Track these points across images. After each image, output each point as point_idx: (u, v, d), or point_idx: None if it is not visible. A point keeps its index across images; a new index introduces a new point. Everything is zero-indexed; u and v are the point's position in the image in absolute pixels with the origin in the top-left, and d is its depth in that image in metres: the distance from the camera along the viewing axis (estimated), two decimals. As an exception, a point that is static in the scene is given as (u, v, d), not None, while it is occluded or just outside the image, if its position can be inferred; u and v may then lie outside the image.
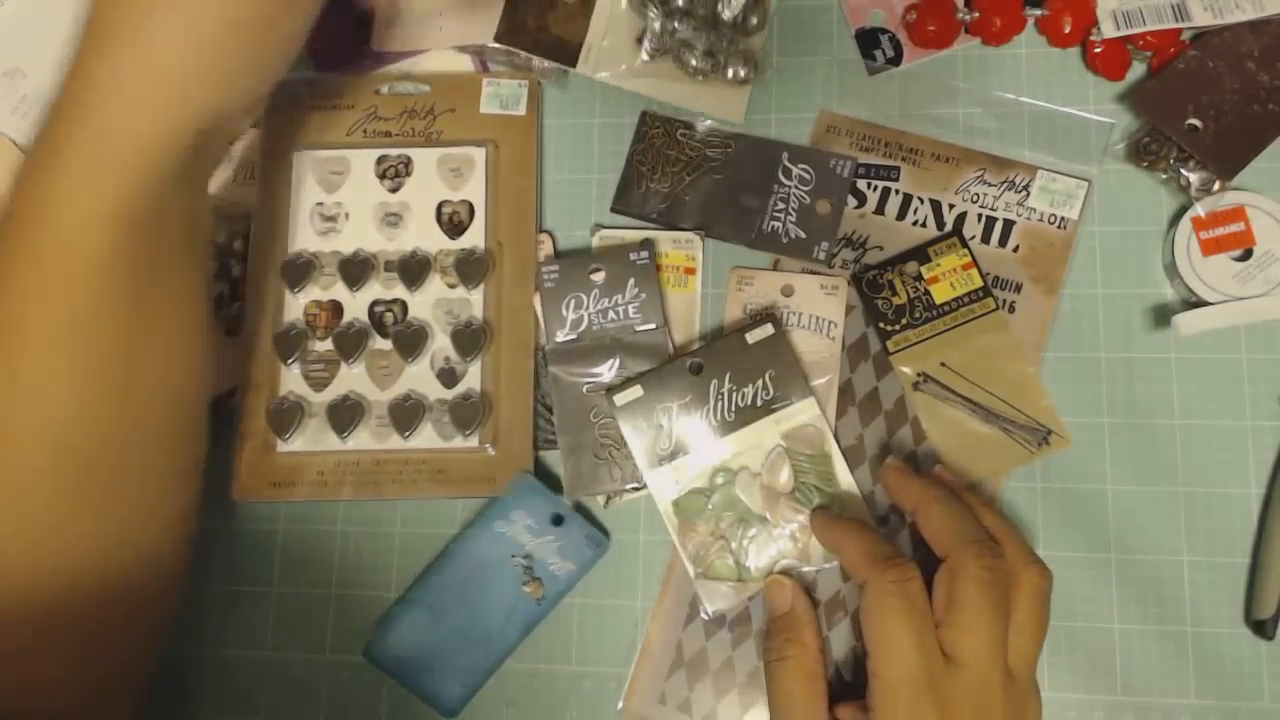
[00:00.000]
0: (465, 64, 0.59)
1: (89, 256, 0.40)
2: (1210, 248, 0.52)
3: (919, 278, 0.53)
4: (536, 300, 0.55)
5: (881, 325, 0.53)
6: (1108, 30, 0.54)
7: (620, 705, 0.51)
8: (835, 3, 0.57)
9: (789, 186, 0.55)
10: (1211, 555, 0.51)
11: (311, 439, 0.54)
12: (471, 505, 0.54)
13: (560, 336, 0.54)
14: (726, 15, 0.55)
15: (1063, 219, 0.54)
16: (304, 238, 0.56)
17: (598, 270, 0.54)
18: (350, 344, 0.55)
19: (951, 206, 0.55)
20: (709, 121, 0.56)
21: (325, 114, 0.58)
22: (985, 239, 0.54)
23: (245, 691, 0.54)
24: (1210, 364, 0.52)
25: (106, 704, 0.47)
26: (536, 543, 0.52)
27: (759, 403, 0.51)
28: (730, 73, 0.55)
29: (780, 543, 0.50)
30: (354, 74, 0.59)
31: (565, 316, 0.54)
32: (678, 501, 0.50)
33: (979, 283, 0.53)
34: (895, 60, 0.57)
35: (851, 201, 0.55)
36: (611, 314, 0.54)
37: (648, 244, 0.54)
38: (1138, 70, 0.55)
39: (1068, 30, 0.54)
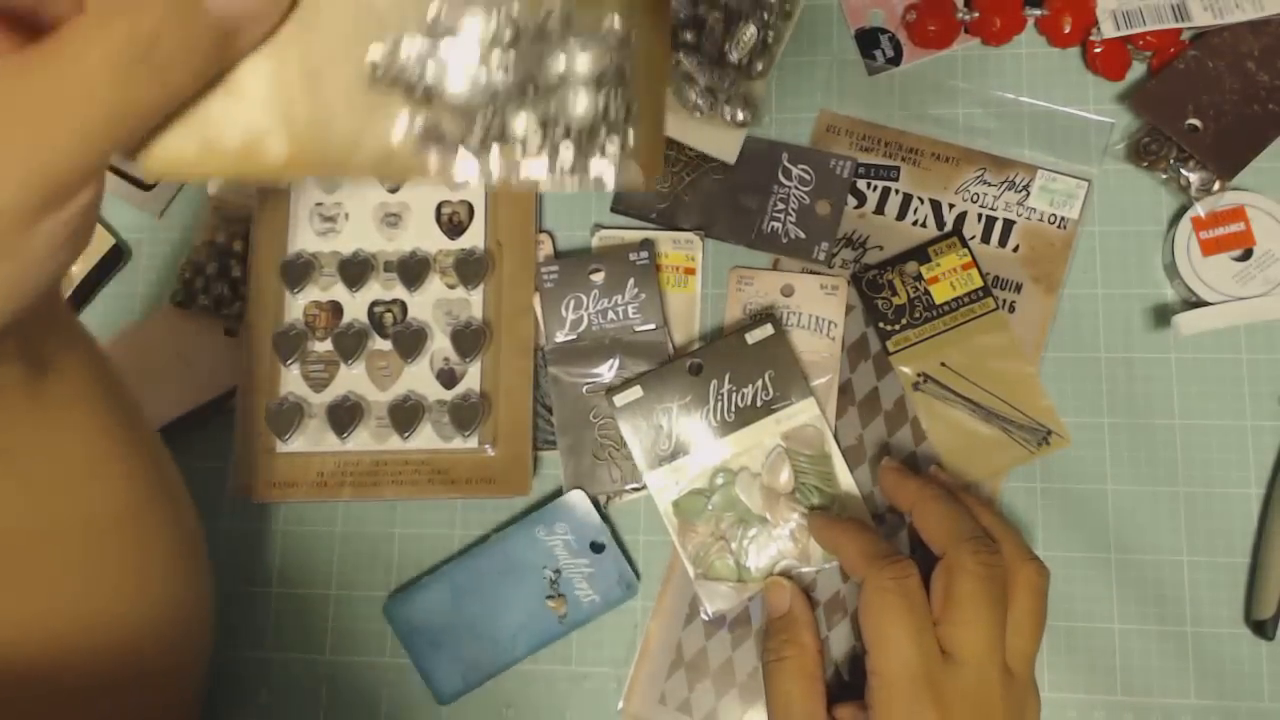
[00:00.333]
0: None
1: None
2: (1210, 248, 0.53)
3: (919, 277, 0.54)
4: (536, 301, 0.55)
5: (881, 325, 0.54)
6: (1108, 30, 0.55)
7: (620, 705, 0.52)
8: (835, 3, 0.58)
9: (789, 187, 0.56)
10: (1211, 555, 0.51)
11: (311, 439, 0.55)
12: (472, 506, 0.55)
13: (560, 337, 0.55)
14: (733, 57, 0.55)
15: (1063, 219, 0.55)
16: (303, 238, 0.57)
17: (597, 270, 0.55)
18: (350, 344, 0.56)
19: (951, 206, 0.55)
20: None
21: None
22: (985, 239, 0.55)
23: (245, 691, 0.55)
24: (1210, 364, 0.53)
25: None
26: (570, 562, 0.53)
27: (759, 403, 0.52)
28: (729, 114, 0.55)
29: (780, 543, 0.51)
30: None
31: (565, 317, 0.55)
32: (678, 502, 0.51)
33: (979, 283, 0.54)
34: (895, 60, 0.57)
35: (851, 201, 0.56)
36: (611, 314, 0.55)
37: (647, 244, 0.55)
38: (1138, 70, 0.56)
39: (1068, 30, 0.55)
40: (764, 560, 0.51)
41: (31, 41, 0.26)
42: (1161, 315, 0.54)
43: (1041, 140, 0.56)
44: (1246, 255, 0.53)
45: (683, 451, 0.52)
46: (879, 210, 0.56)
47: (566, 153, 0.29)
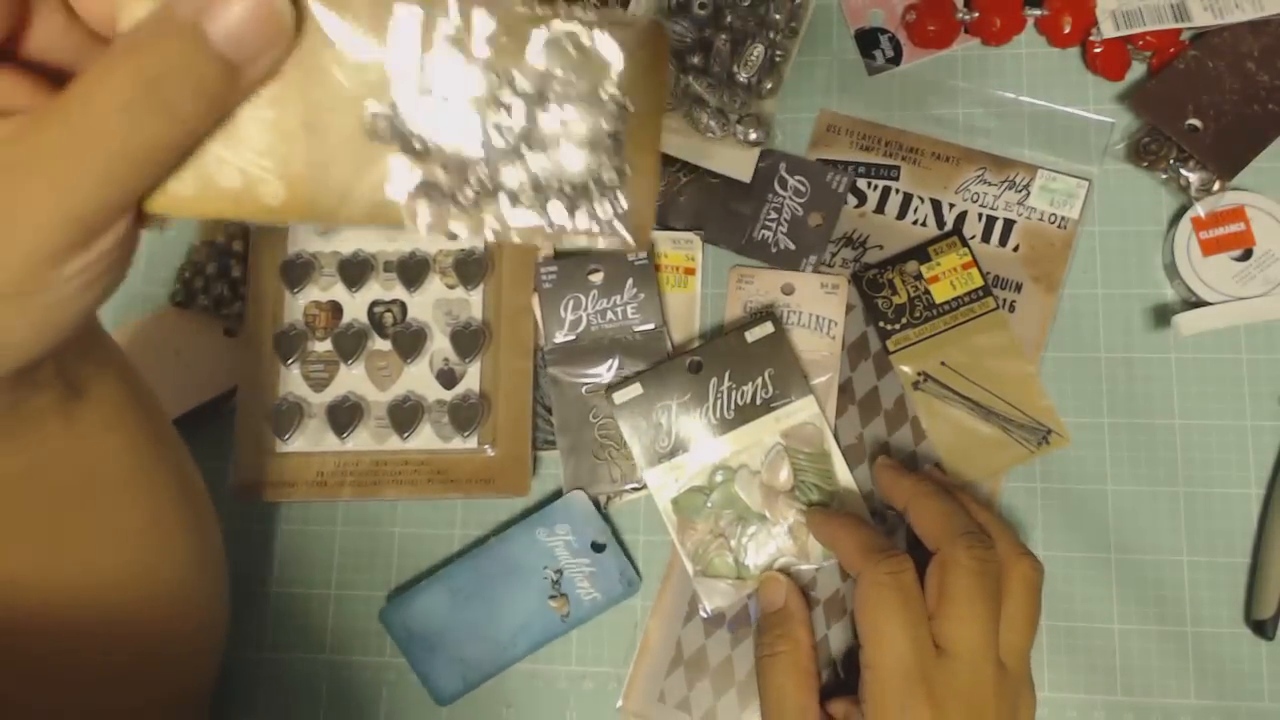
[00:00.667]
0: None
1: None
2: (1210, 248, 0.54)
3: (919, 277, 0.55)
4: (535, 301, 0.56)
5: (881, 324, 0.55)
6: (1107, 30, 0.56)
7: (619, 703, 0.53)
8: (835, 3, 0.59)
9: (783, 196, 0.57)
10: (1211, 555, 0.53)
11: (311, 439, 0.56)
12: (472, 506, 0.56)
13: (559, 337, 0.56)
14: (742, 77, 0.56)
15: (1063, 218, 0.56)
16: (303, 238, 0.59)
17: (596, 271, 0.56)
18: (350, 345, 0.57)
19: (952, 206, 0.57)
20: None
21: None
22: (985, 238, 0.56)
23: (245, 691, 0.56)
24: (1210, 364, 0.54)
25: None
26: (572, 562, 0.54)
27: (758, 401, 0.53)
28: (742, 134, 0.56)
29: (779, 541, 0.52)
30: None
31: (564, 317, 0.56)
32: (677, 499, 0.53)
33: (979, 282, 0.55)
34: (895, 60, 0.59)
35: (852, 200, 0.57)
36: (610, 314, 0.56)
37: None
38: (1138, 70, 0.57)
39: (1067, 30, 0.57)
40: (763, 558, 0.52)
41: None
42: (1161, 315, 0.55)
43: (1041, 140, 0.57)
44: (1246, 255, 0.54)
45: (682, 449, 0.53)
46: (879, 209, 0.57)
47: (558, 214, 0.31)
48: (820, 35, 0.60)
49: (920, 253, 0.56)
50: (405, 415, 0.56)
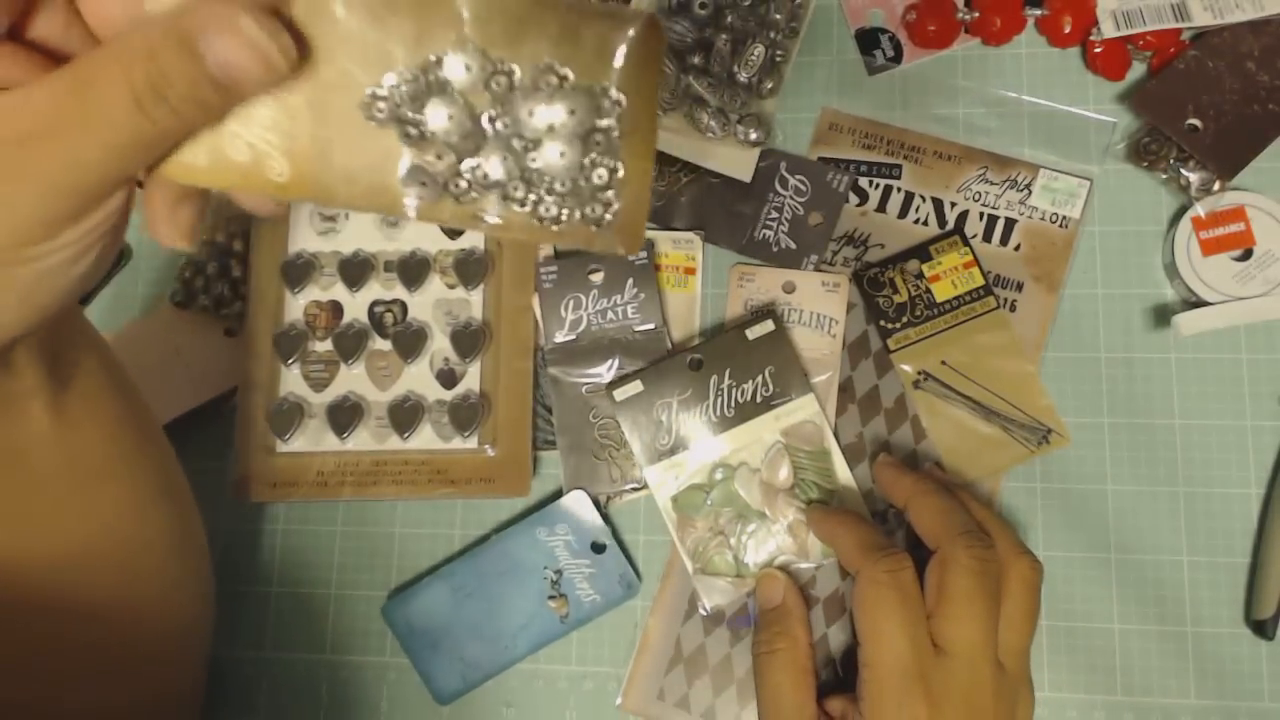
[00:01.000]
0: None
1: None
2: (1210, 248, 0.55)
3: (920, 276, 0.56)
4: (535, 301, 0.57)
5: (882, 323, 0.56)
6: (1108, 30, 0.57)
7: (619, 701, 0.54)
8: (835, 3, 0.61)
9: (784, 196, 0.58)
10: (1211, 555, 0.53)
11: (311, 439, 0.57)
12: (472, 506, 0.57)
13: (559, 337, 0.57)
14: (742, 77, 0.57)
15: (1064, 218, 0.57)
16: (304, 238, 0.60)
17: (596, 271, 0.57)
18: (350, 345, 0.58)
19: (953, 205, 0.58)
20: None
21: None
22: (987, 237, 0.57)
23: (245, 691, 0.57)
24: (1210, 364, 0.55)
25: None
26: (572, 562, 0.55)
27: (759, 399, 0.54)
28: (742, 135, 0.57)
29: (779, 538, 0.53)
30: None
31: (564, 317, 0.57)
32: (677, 497, 0.54)
33: (980, 281, 0.56)
34: (895, 60, 0.60)
35: (853, 199, 0.58)
36: (610, 314, 0.57)
37: (647, 244, 0.57)
38: (1138, 70, 0.58)
39: (1068, 30, 0.58)
40: (762, 555, 0.53)
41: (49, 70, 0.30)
42: (1161, 315, 0.56)
43: (1042, 139, 0.58)
44: (1246, 255, 0.55)
45: (682, 446, 0.54)
46: (880, 208, 0.58)
47: (548, 210, 0.31)
48: (820, 35, 0.61)
49: (921, 252, 0.57)
50: (405, 415, 0.57)
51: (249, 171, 0.31)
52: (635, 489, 0.56)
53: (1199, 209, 0.55)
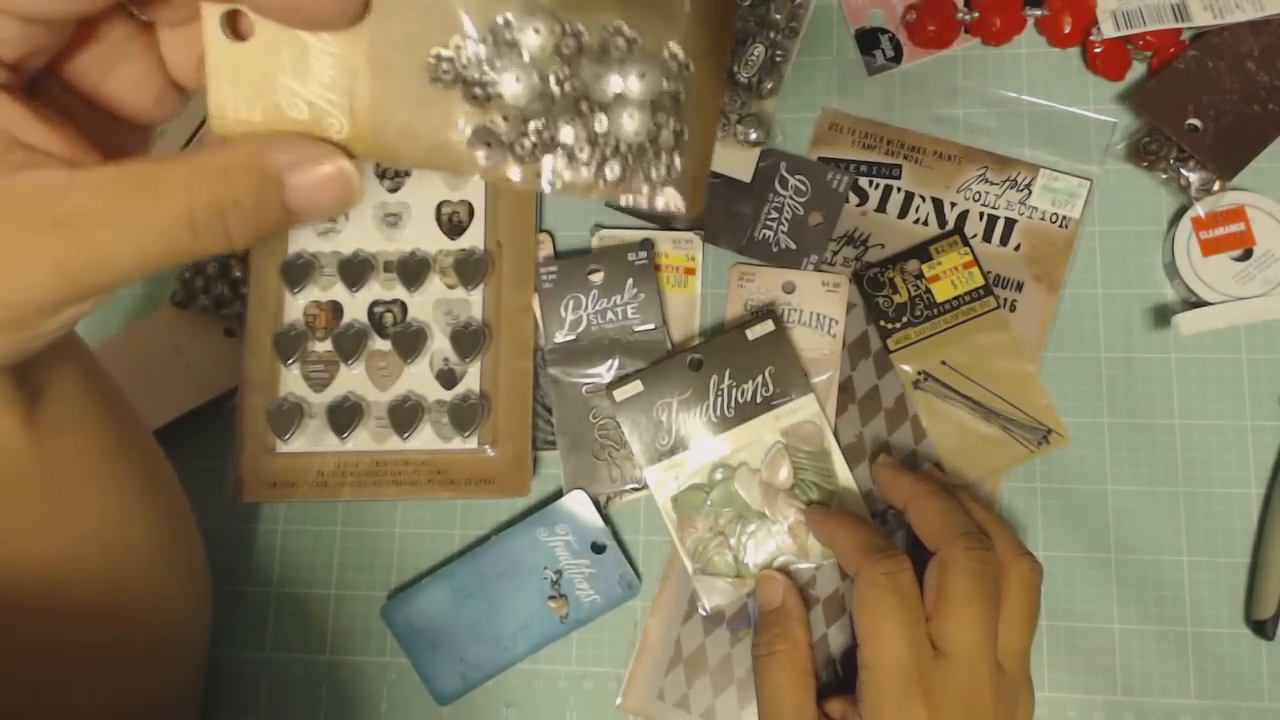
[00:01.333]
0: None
1: None
2: (1210, 248, 0.55)
3: (920, 276, 0.57)
4: (535, 301, 0.58)
5: (882, 323, 0.56)
6: (1108, 30, 0.57)
7: (619, 701, 0.54)
8: (835, 3, 0.61)
9: (784, 196, 0.58)
10: (1211, 555, 0.54)
11: (311, 440, 0.58)
12: (472, 506, 0.58)
13: (559, 337, 0.57)
14: (742, 77, 0.58)
15: (1064, 218, 0.57)
16: (303, 238, 0.60)
17: (596, 271, 0.57)
18: (350, 345, 0.58)
19: (953, 205, 0.58)
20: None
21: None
22: (987, 237, 0.58)
23: (245, 691, 0.57)
24: (1210, 364, 0.56)
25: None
26: (572, 563, 0.55)
27: (759, 399, 0.55)
28: (743, 135, 0.58)
29: (778, 539, 0.53)
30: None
31: (564, 317, 0.57)
32: (677, 497, 0.54)
33: (980, 281, 0.56)
34: (895, 60, 0.60)
35: (853, 199, 0.59)
36: (610, 315, 0.57)
37: (647, 244, 0.58)
38: (1138, 70, 0.59)
39: (1068, 30, 0.58)
40: (762, 556, 0.53)
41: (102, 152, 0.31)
42: (1161, 315, 0.56)
43: (1043, 139, 0.58)
44: (1246, 255, 0.55)
45: (682, 447, 0.54)
46: (880, 208, 0.59)
47: (612, 171, 0.31)
48: (820, 35, 0.61)
49: (921, 251, 0.57)
50: (405, 415, 0.57)
51: (307, 129, 0.31)
52: (635, 489, 0.56)
53: (1199, 209, 0.56)
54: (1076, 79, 0.59)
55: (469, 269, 0.59)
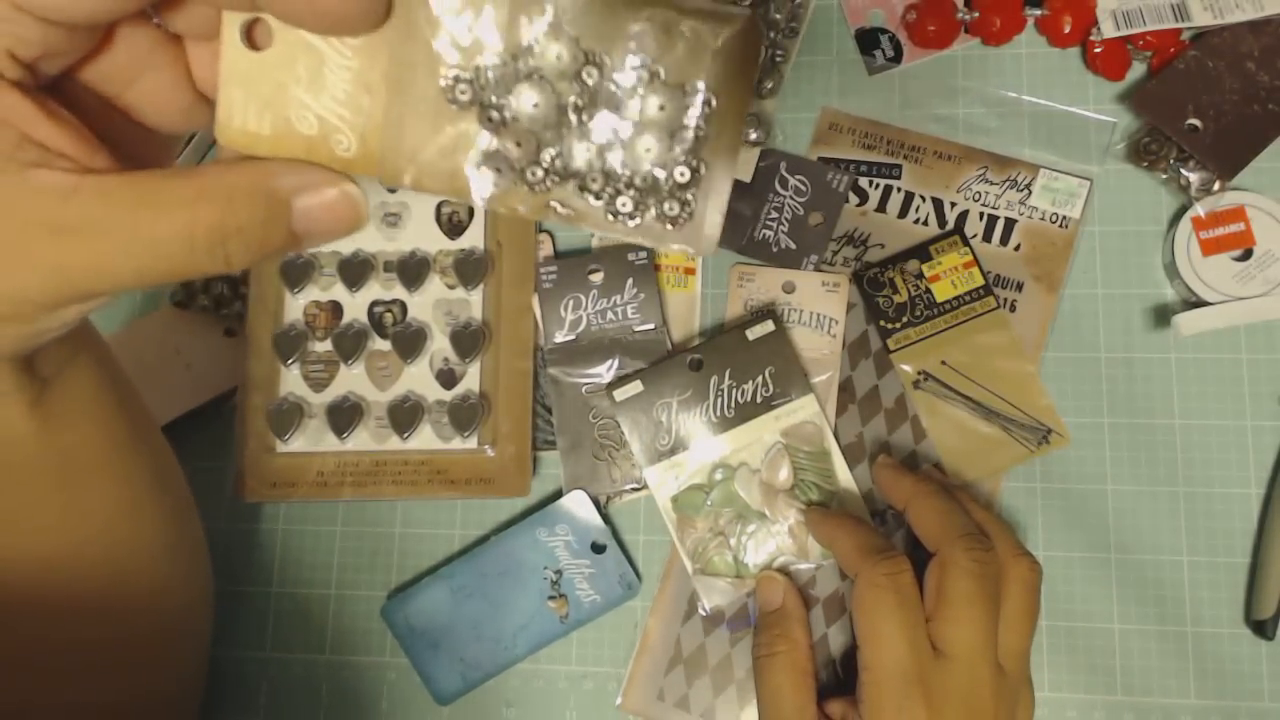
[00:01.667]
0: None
1: None
2: (1210, 248, 0.55)
3: (920, 276, 0.57)
4: (535, 301, 0.58)
5: (882, 323, 0.57)
6: (1108, 30, 0.58)
7: (619, 701, 0.54)
8: (835, 3, 0.61)
9: (784, 196, 0.59)
10: (1211, 555, 0.54)
11: (311, 439, 0.58)
12: (472, 506, 0.58)
13: (559, 337, 0.57)
14: None
15: (1064, 218, 0.57)
16: (303, 238, 0.60)
17: (596, 271, 0.58)
18: (349, 345, 0.59)
19: (953, 205, 0.58)
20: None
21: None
22: (987, 237, 0.58)
23: (245, 691, 0.57)
24: (1210, 364, 0.56)
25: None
26: (572, 563, 0.56)
27: (759, 399, 0.55)
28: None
29: (778, 539, 0.54)
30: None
31: (564, 317, 0.58)
32: (676, 497, 0.54)
33: (980, 281, 0.57)
34: (895, 60, 0.60)
35: (853, 199, 0.59)
36: (610, 315, 0.57)
37: (647, 244, 0.58)
38: (1138, 70, 0.59)
39: (1068, 30, 0.58)
40: (762, 556, 0.54)
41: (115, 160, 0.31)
42: (1161, 315, 0.56)
43: (1043, 139, 0.59)
44: (1246, 255, 0.55)
45: (682, 447, 0.55)
46: (880, 208, 0.59)
47: (624, 205, 0.31)
48: (820, 35, 0.61)
49: (921, 251, 0.58)
50: (405, 415, 0.58)
51: (314, 144, 0.31)
52: (635, 489, 0.57)
53: (1199, 209, 0.56)
54: (1076, 79, 0.59)
55: (469, 269, 0.59)
